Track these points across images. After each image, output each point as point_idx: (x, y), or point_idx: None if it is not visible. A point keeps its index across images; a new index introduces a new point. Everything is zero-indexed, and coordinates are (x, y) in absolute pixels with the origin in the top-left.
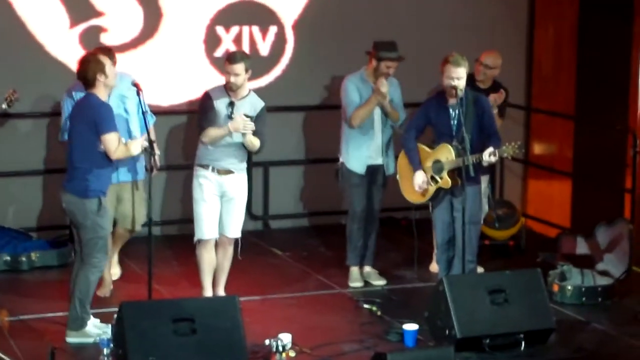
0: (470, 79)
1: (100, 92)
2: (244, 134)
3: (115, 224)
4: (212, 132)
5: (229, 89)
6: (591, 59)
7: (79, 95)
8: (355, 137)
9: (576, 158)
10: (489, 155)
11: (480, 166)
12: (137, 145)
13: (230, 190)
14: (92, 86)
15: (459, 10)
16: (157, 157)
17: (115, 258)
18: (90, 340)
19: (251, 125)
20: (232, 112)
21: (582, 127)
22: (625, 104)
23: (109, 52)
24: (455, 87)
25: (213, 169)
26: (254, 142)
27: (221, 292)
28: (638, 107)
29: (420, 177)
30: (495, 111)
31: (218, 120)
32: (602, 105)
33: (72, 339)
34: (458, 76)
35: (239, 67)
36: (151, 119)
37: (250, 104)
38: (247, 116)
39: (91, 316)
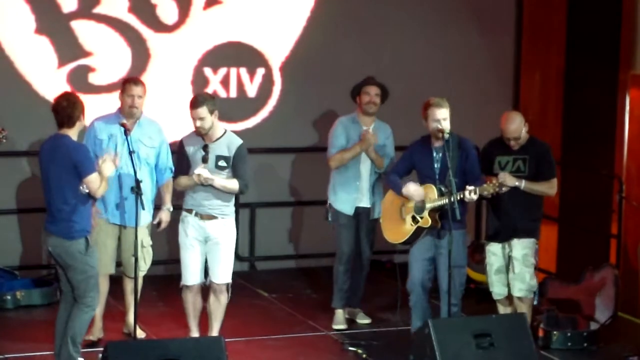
0: (502, 144)
1: (74, 133)
2: (211, 184)
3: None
4: (182, 181)
5: (198, 133)
6: (577, 106)
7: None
8: (343, 178)
9: (562, 203)
10: (469, 193)
11: (464, 207)
12: (109, 165)
13: (214, 235)
14: (72, 126)
15: (446, 56)
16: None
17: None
18: None
19: (210, 179)
20: (206, 155)
21: (568, 172)
22: (611, 150)
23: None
24: (442, 130)
25: (196, 214)
26: (228, 186)
27: None
28: (623, 152)
29: (412, 185)
30: (503, 189)
31: (194, 165)
32: (588, 151)
33: None
34: (443, 117)
35: (203, 111)
36: (169, 173)
37: (226, 144)
38: (221, 157)
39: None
